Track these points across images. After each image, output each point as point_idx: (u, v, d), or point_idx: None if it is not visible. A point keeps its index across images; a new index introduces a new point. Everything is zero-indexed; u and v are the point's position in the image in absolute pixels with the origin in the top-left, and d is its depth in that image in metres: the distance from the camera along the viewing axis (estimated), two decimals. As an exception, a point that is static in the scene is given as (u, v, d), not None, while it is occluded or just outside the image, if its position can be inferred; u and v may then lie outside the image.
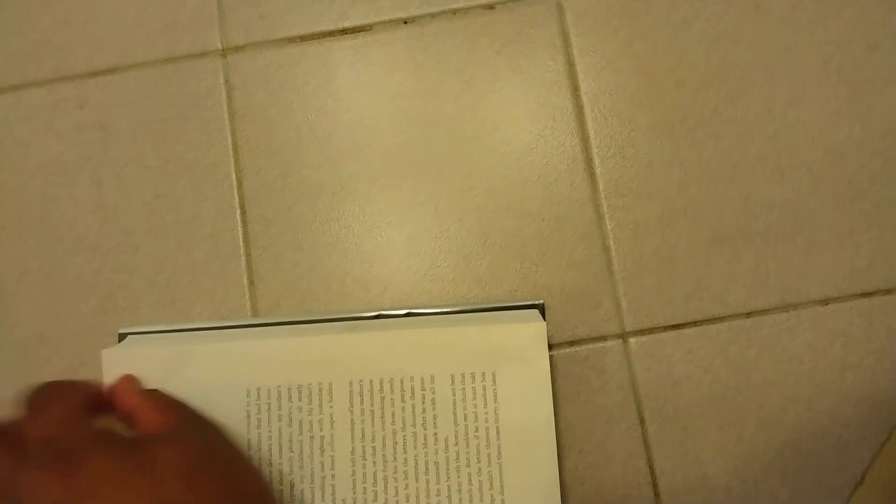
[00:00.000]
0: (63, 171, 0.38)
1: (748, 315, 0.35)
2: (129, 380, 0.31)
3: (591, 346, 0.35)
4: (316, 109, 0.37)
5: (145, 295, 0.36)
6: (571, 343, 0.35)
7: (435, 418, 0.32)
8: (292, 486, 0.32)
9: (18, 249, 0.37)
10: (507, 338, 0.32)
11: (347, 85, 0.37)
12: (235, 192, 0.37)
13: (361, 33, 0.38)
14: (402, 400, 0.32)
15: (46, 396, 0.27)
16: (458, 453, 0.32)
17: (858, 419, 0.34)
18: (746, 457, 0.34)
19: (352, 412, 0.32)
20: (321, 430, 0.32)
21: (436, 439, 0.32)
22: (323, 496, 0.31)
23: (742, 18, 0.37)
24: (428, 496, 0.31)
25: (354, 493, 0.32)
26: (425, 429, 0.32)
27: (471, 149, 0.37)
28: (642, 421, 0.35)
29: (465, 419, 0.32)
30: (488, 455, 0.32)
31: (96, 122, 0.38)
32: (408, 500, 0.31)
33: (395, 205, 0.36)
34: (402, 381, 0.32)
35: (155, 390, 0.31)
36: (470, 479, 0.32)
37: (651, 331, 0.35)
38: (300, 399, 0.32)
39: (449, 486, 0.32)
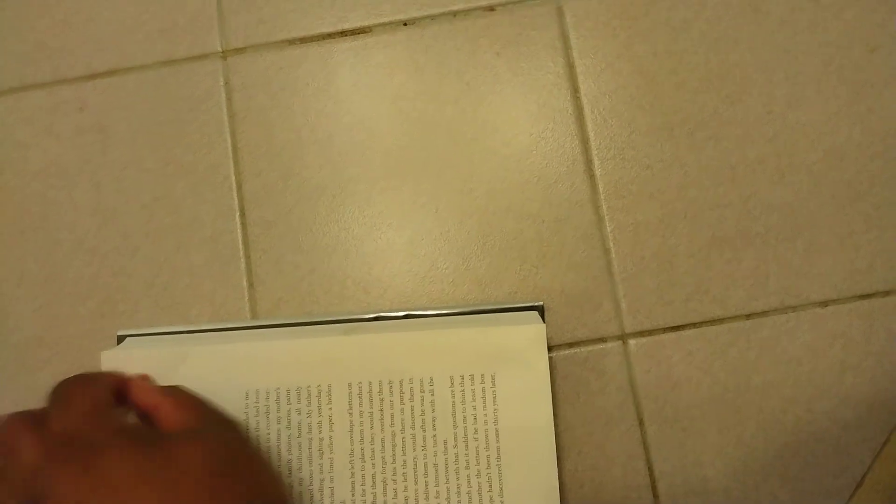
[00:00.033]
0: (62, 174, 0.38)
1: (748, 317, 0.35)
2: (146, 378, 0.31)
3: (590, 347, 0.35)
4: (316, 111, 0.37)
5: (144, 297, 0.36)
6: (571, 345, 0.35)
7: (434, 420, 0.32)
8: (291, 487, 0.32)
9: (18, 252, 0.37)
10: (507, 340, 0.32)
11: (348, 87, 0.38)
12: (235, 194, 0.37)
13: (361, 35, 0.38)
14: (402, 402, 0.32)
15: (72, 389, 0.27)
16: (457, 455, 0.32)
17: (858, 421, 0.34)
18: (746, 458, 0.34)
19: (351, 414, 0.32)
20: (320, 431, 0.32)
21: (435, 441, 0.32)
22: (322, 498, 0.31)
23: (741, 20, 0.37)
24: (427, 498, 0.31)
25: (353, 494, 0.31)
26: (424, 431, 0.32)
27: (471, 151, 0.37)
28: (642, 423, 0.35)
29: (465, 421, 0.32)
30: (487, 457, 0.32)
31: (96, 125, 0.38)
32: (407, 502, 0.31)
33: (396, 207, 0.36)
34: (401, 383, 0.32)
35: (175, 386, 0.31)
36: (469, 481, 0.32)
37: (651, 332, 0.35)
38: (299, 401, 0.32)
39: (448, 488, 0.32)
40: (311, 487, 0.32)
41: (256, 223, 0.37)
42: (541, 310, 0.34)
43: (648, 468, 0.34)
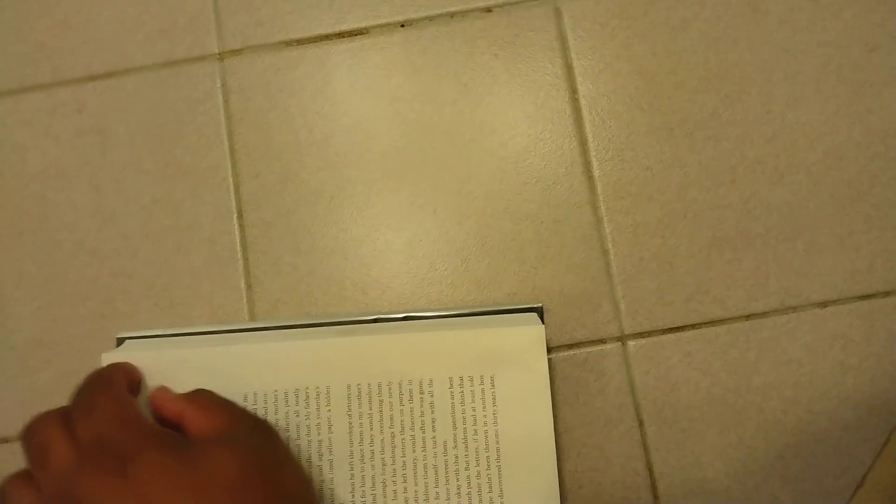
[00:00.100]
0: (61, 176, 0.38)
1: (748, 318, 0.35)
2: (165, 388, 0.31)
3: (589, 348, 0.35)
4: (314, 113, 0.37)
5: (143, 299, 0.36)
6: (570, 346, 0.35)
7: (433, 422, 0.32)
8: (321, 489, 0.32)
9: (17, 253, 0.37)
10: (506, 341, 0.32)
11: (345, 88, 0.37)
12: (233, 196, 0.37)
13: (359, 37, 0.38)
14: (401, 403, 0.32)
15: (95, 392, 0.27)
16: (456, 456, 0.32)
17: (858, 421, 0.34)
18: (746, 459, 0.34)
19: (350, 416, 0.32)
20: (319, 433, 0.32)
21: (434, 443, 0.32)
22: (321, 499, 0.31)
23: (740, 20, 0.37)
24: (427, 499, 0.31)
25: (353, 496, 0.31)
26: (424, 432, 0.32)
27: (469, 152, 0.37)
28: (641, 424, 0.34)
29: (464, 422, 0.32)
30: (487, 458, 0.32)
31: (94, 127, 0.38)
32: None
33: (394, 208, 0.36)
34: (400, 385, 0.32)
35: (201, 390, 0.30)
36: (469, 483, 0.32)
37: (650, 333, 0.35)
38: (298, 403, 0.32)
39: (448, 490, 0.32)
40: (309, 489, 0.32)
41: (254, 224, 0.37)
42: (540, 311, 0.34)
43: (648, 469, 0.34)
